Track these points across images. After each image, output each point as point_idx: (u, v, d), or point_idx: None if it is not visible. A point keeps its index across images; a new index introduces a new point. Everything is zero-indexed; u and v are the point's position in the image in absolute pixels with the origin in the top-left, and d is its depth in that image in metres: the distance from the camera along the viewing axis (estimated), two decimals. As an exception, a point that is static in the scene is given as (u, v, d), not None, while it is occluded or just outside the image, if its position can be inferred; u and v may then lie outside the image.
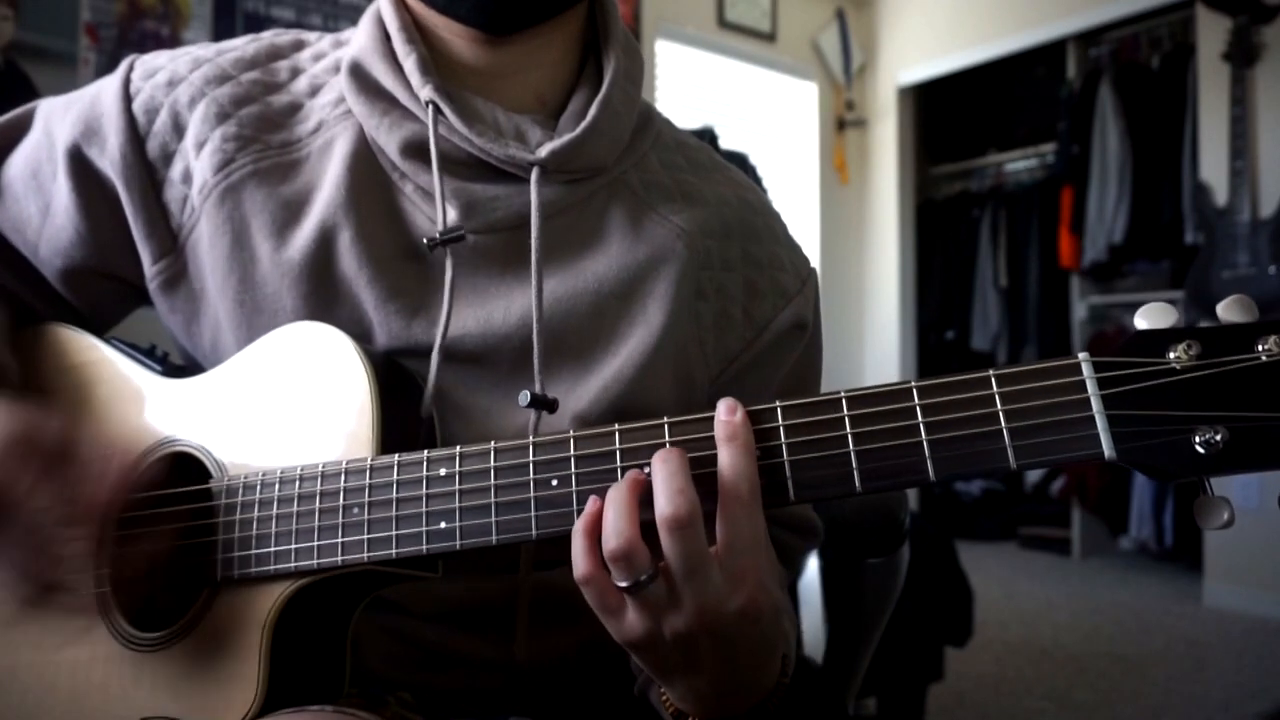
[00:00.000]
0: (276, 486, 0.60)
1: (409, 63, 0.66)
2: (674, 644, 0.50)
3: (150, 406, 0.68)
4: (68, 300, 0.73)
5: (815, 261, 0.78)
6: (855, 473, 0.49)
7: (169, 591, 0.63)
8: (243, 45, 0.72)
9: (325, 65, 0.72)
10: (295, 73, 0.72)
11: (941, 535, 2.28)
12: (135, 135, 0.67)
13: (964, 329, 4.71)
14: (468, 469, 0.55)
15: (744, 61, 4.37)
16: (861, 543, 1.05)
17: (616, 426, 0.53)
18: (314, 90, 0.71)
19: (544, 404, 0.61)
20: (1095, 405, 0.45)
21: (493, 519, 0.54)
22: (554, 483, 0.54)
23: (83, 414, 0.70)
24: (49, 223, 0.70)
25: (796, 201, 4.56)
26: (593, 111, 0.67)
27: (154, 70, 0.69)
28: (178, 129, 0.67)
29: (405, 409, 0.61)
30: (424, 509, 0.56)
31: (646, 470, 0.51)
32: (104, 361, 0.70)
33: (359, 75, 0.68)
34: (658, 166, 0.73)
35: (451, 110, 0.64)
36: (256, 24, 2.91)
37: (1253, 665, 2.81)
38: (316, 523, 0.58)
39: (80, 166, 0.68)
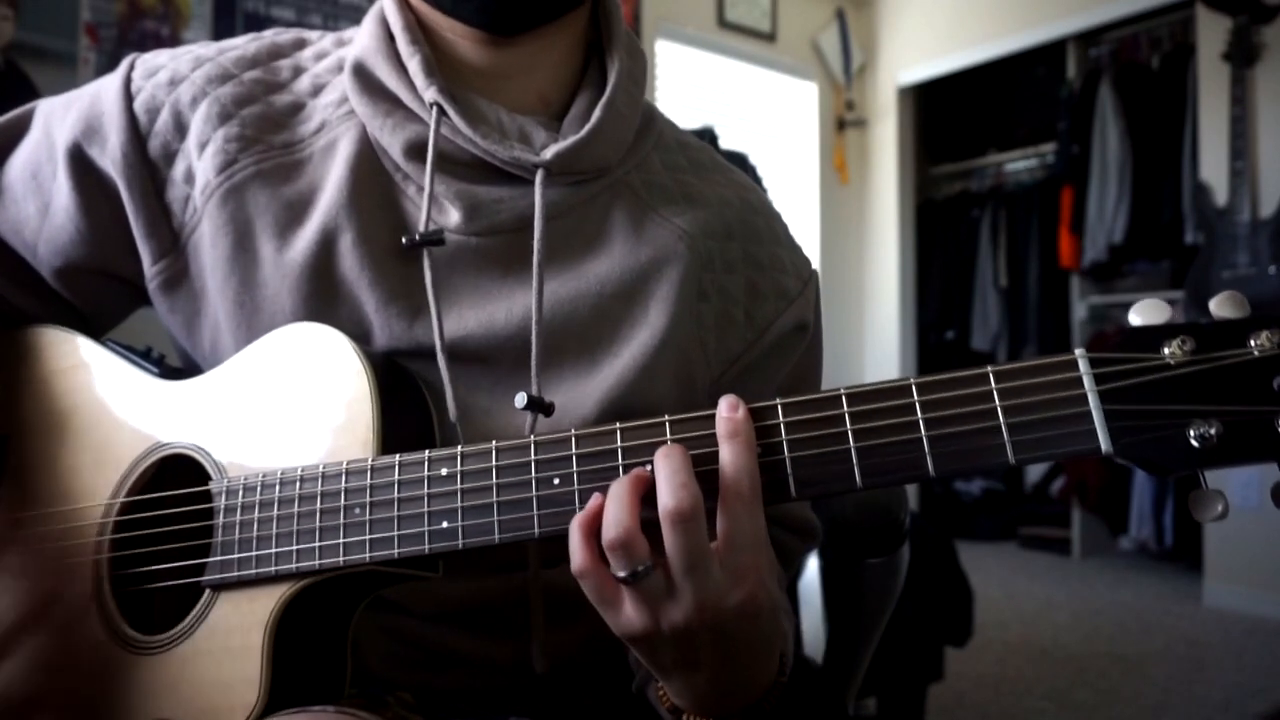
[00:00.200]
0: (277, 488, 0.60)
1: (413, 63, 0.66)
2: (672, 638, 0.50)
3: (147, 409, 0.67)
4: (68, 301, 0.73)
5: (815, 261, 0.78)
6: (856, 469, 0.49)
7: (169, 594, 0.63)
8: (244, 44, 0.72)
9: (327, 64, 0.72)
10: (297, 72, 0.71)
11: (941, 535, 2.28)
12: (136, 134, 0.67)
13: (964, 329, 4.71)
14: (469, 468, 0.55)
15: (744, 61, 4.37)
16: (861, 543, 1.05)
17: (618, 425, 0.53)
18: (316, 90, 0.71)
19: (540, 406, 0.61)
20: (1092, 401, 0.46)
21: (495, 518, 0.54)
22: (556, 481, 0.54)
23: (79, 418, 0.70)
24: (48, 222, 0.70)
25: (796, 201, 4.56)
26: (597, 113, 0.67)
27: (155, 69, 0.69)
28: (179, 128, 0.67)
29: (406, 410, 0.61)
30: (426, 509, 0.56)
31: (649, 468, 0.51)
32: (100, 364, 0.70)
33: (362, 75, 0.67)
34: (660, 167, 0.73)
35: (456, 112, 0.64)
36: (256, 24, 2.91)
37: (1253, 665, 2.81)
38: (318, 523, 0.58)
39: (81, 165, 0.68)
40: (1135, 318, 0.47)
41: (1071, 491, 4.19)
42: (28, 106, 0.74)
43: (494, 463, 0.55)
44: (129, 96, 0.68)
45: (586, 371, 0.66)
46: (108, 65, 2.59)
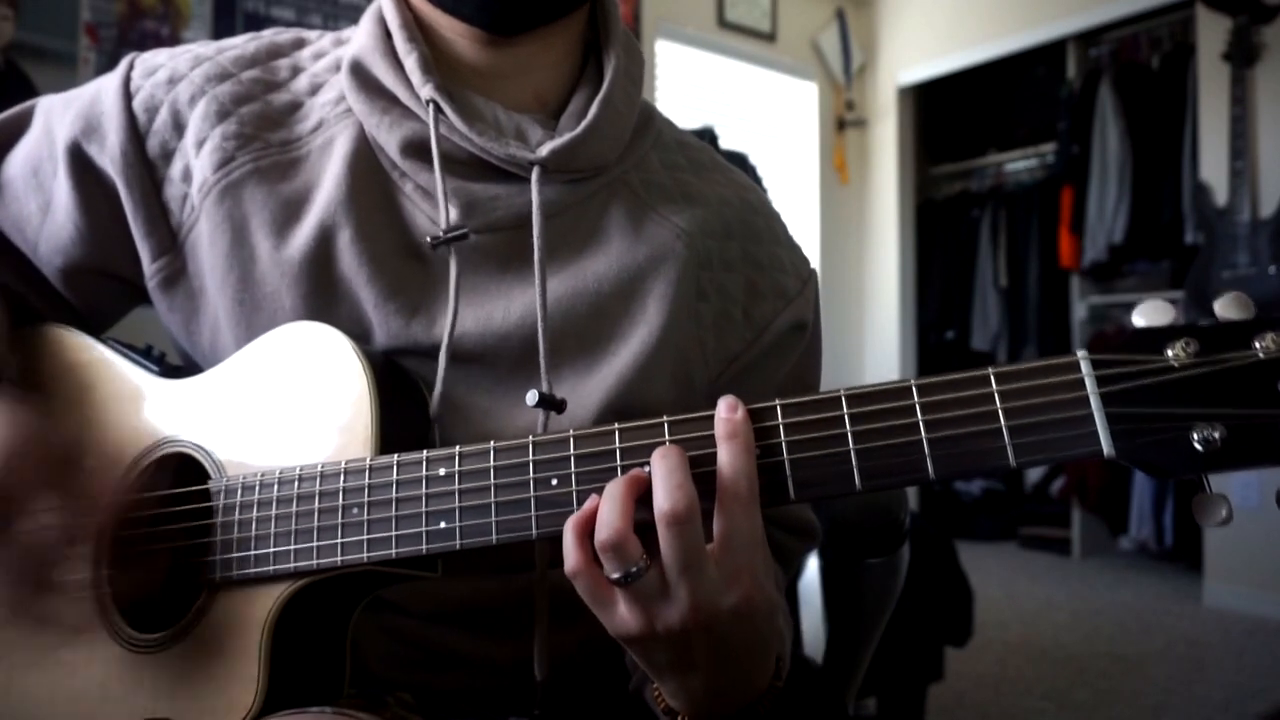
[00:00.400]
0: (275, 487, 0.60)
1: (410, 61, 0.66)
2: (667, 639, 0.50)
3: (147, 407, 0.67)
4: (67, 299, 0.73)
5: (815, 261, 0.78)
6: (855, 471, 0.49)
7: (168, 592, 0.63)
8: (243, 43, 0.72)
9: (326, 64, 0.72)
10: (296, 71, 0.71)
11: (941, 535, 2.28)
12: (135, 133, 0.67)
13: (964, 329, 4.71)
14: (467, 469, 0.55)
15: (744, 61, 4.37)
16: (861, 543, 1.04)
17: (616, 426, 0.53)
18: (314, 89, 0.71)
19: (552, 404, 0.61)
20: (1094, 403, 0.46)
21: (492, 519, 0.54)
22: (554, 482, 0.54)
23: (80, 415, 0.70)
24: (49, 220, 0.70)
25: (796, 201, 4.56)
26: (594, 110, 0.67)
27: (154, 68, 0.69)
28: (178, 127, 0.67)
29: (404, 409, 0.61)
30: (424, 509, 0.56)
31: (646, 469, 0.51)
32: (101, 362, 0.70)
33: (359, 74, 0.67)
34: (658, 166, 0.73)
35: (452, 109, 0.64)
36: (256, 24, 2.91)
37: (1253, 665, 2.81)
38: (316, 523, 0.58)
39: (80, 164, 0.68)
40: (1138, 319, 0.47)
41: (1071, 491, 4.19)
42: (28, 104, 0.74)
43: (492, 463, 0.55)
44: (128, 95, 0.68)
45: (584, 370, 0.65)
46: (108, 65, 2.59)
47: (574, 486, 0.53)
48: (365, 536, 0.57)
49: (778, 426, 0.51)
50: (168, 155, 0.67)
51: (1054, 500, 4.39)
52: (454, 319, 0.63)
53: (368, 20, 0.70)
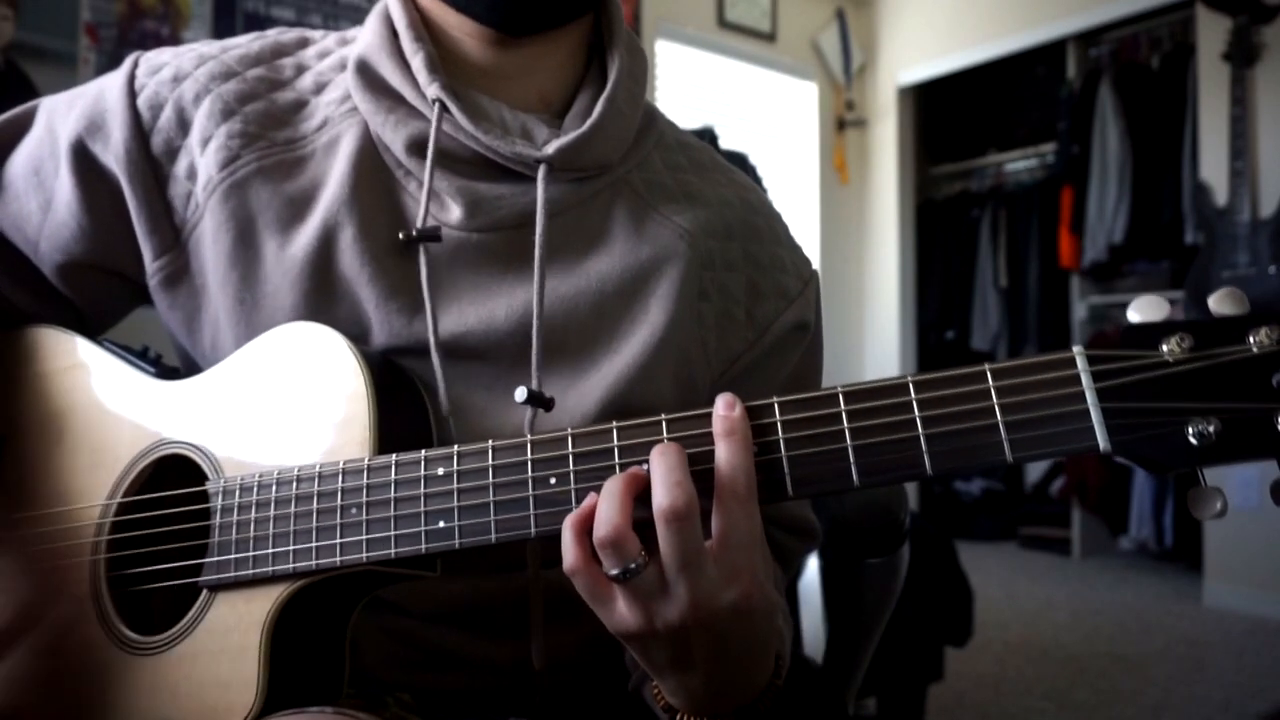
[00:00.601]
0: (274, 488, 0.60)
1: (416, 60, 0.66)
2: (666, 637, 0.50)
3: (144, 409, 0.67)
4: (67, 298, 0.73)
5: (815, 261, 0.78)
6: (853, 468, 0.49)
7: (167, 595, 0.63)
8: (248, 42, 0.72)
9: (330, 63, 0.72)
10: (300, 70, 0.72)
11: (941, 535, 2.28)
12: (139, 130, 0.67)
13: (964, 329, 4.71)
14: (465, 468, 0.55)
15: (744, 61, 4.37)
16: (861, 543, 1.04)
17: (614, 424, 0.53)
18: (319, 87, 0.71)
19: (540, 401, 0.61)
20: (1090, 398, 0.46)
21: (491, 518, 0.54)
22: (552, 481, 0.54)
23: (76, 418, 0.69)
24: (50, 218, 0.70)
25: (796, 201, 4.56)
26: (598, 109, 0.67)
27: (159, 67, 0.69)
28: (182, 125, 0.67)
29: (402, 408, 0.61)
30: (422, 508, 0.56)
31: (645, 467, 0.51)
32: (95, 364, 0.70)
33: (365, 72, 0.68)
34: (660, 167, 0.73)
35: (458, 108, 0.64)
36: (257, 24, 2.91)
37: (1253, 665, 2.81)
38: (314, 524, 0.58)
39: (83, 161, 0.68)
40: (1134, 315, 0.47)
41: (1071, 491, 4.19)
42: (30, 104, 0.74)
43: (490, 462, 0.55)
44: (132, 93, 0.68)
45: (586, 369, 0.66)
46: (108, 65, 2.59)
47: (572, 485, 0.53)
48: (364, 537, 0.57)
49: (775, 424, 0.51)
50: (172, 153, 0.67)
51: (1054, 500, 4.39)
52: (434, 318, 0.63)
53: (374, 20, 0.70)
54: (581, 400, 0.64)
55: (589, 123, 0.67)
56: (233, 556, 0.60)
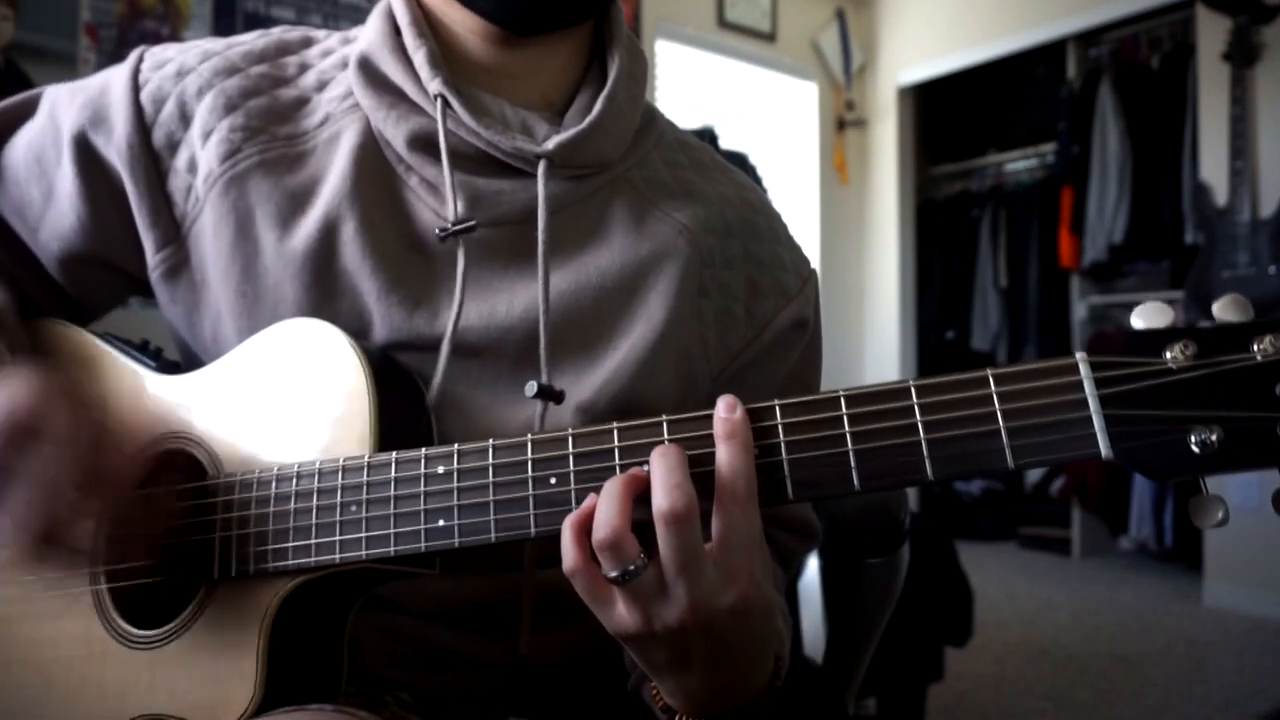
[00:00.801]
0: (274, 484, 0.60)
1: (419, 56, 0.66)
2: (665, 638, 0.50)
3: (145, 403, 0.67)
4: (61, 288, 0.74)
5: (815, 261, 0.78)
6: (854, 471, 0.49)
7: (166, 589, 0.63)
8: (252, 40, 0.72)
9: (333, 61, 0.72)
10: (303, 68, 0.72)
11: (941, 535, 2.28)
12: (142, 124, 0.68)
13: (964, 329, 4.71)
14: (465, 466, 0.55)
15: (744, 61, 4.37)
16: (861, 543, 1.04)
17: (615, 425, 0.53)
18: (321, 85, 0.71)
19: (550, 395, 0.61)
20: (1092, 405, 0.46)
21: (491, 517, 0.54)
22: (552, 481, 0.54)
23: None
24: (51, 208, 0.70)
25: (796, 201, 4.56)
26: (598, 106, 0.68)
27: (163, 62, 0.70)
28: (184, 118, 0.68)
29: (402, 405, 0.61)
30: (422, 507, 0.56)
31: (645, 468, 0.51)
32: (98, 357, 0.70)
33: (367, 68, 0.68)
34: (660, 164, 0.74)
35: (460, 104, 0.64)
36: (257, 24, 2.91)
37: (1253, 665, 2.81)
38: (314, 520, 0.58)
39: (85, 154, 0.69)
40: (1137, 321, 0.47)
41: (1071, 491, 4.19)
42: (34, 91, 0.75)
43: (490, 461, 0.55)
44: (136, 87, 0.69)
45: (586, 364, 0.66)
46: (107, 65, 2.59)
47: (572, 485, 0.53)
48: (364, 534, 0.57)
49: (776, 426, 0.51)
50: (173, 146, 0.68)
51: (1054, 500, 4.39)
52: (459, 311, 0.63)
53: (376, 17, 0.70)
54: (583, 394, 0.65)
55: (589, 120, 0.67)
56: (233, 552, 0.60)
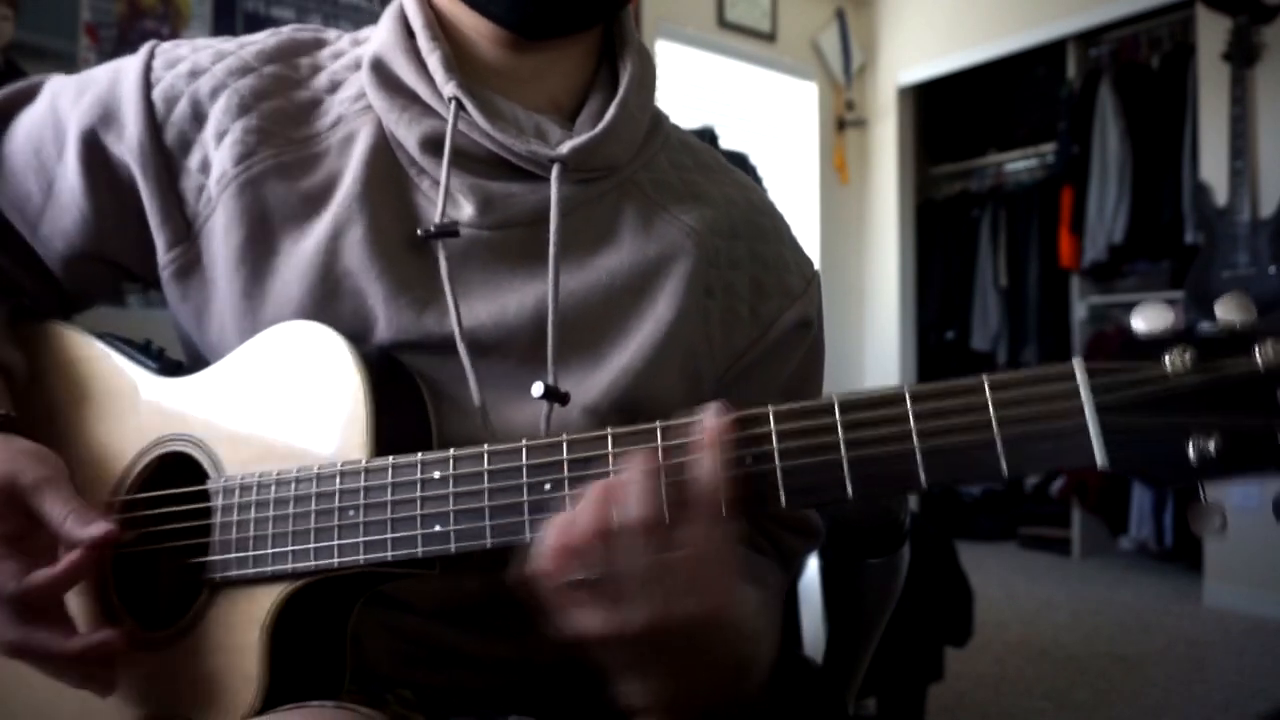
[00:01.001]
0: (273, 488, 0.60)
1: (433, 59, 0.66)
2: (629, 642, 0.51)
3: (146, 404, 0.68)
4: (55, 279, 0.74)
5: (815, 261, 0.79)
6: (847, 479, 0.49)
7: (170, 590, 0.63)
8: (264, 39, 0.73)
9: (345, 63, 0.73)
10: (315, 69, 0.72)
11: (941, 535, 2.28)
12: (153, 123, 0.68)
13: (964, 329, 4.71)
14: (461, 472, 0.55)
15: (744, 61, 4.37)
16: (862, 543, 1.04)
17: (609, 430, 0.53)
18: (334, 86, 0.71)
19: (556, 396, 0.61)
20: (1088, 413, 0.45)
21: (487, 522, 0.54)
22: (547, 486, 0.54)
23: (77, 414, 0.70)
24: (52, 203, 0.70)
25: (796, 201, 4.56)
26: (611, 112, 0.68)
27: (176, 60, 0.70)
28: (197, 118, 0.68)
29: (401, 409, 0.61)
30: (419, 511, 0.56)
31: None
32: (99, 358, 0.71)
33: (380, 70, 0.68)
34: (667, 167, 0.74)
35: (474, 107, 0.65)
36: (257, 24, 2.91)
37: (1253, 665, 2.81)
38: (312, 524, 0.58)
39: (93, 152, 0.69)
40: (1138, 322, 0.46)
41: (1071, 491, 4.19)
42: (36, 79, 0.75)
43: (485, 467, 0.55)
44: (148, 85, 0.68)
45: (594, 364, 0.66)
46: (107, 65, 2.59)
47: (567, 491, 0.53)
48: (361, 539, 0.57)
49: (770, 433, 0.50)
50: (185, 146, 0.68)
51: (1054, 500, 4.39)
52: (457, 313, 0.63)
53: (389, 19, 0.70)
54: (590, 394, 0.65)
55: (602, 125, 0.67)
56: (233, 555, 0.60)
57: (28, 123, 0.72)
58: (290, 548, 0.58)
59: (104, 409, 0.69)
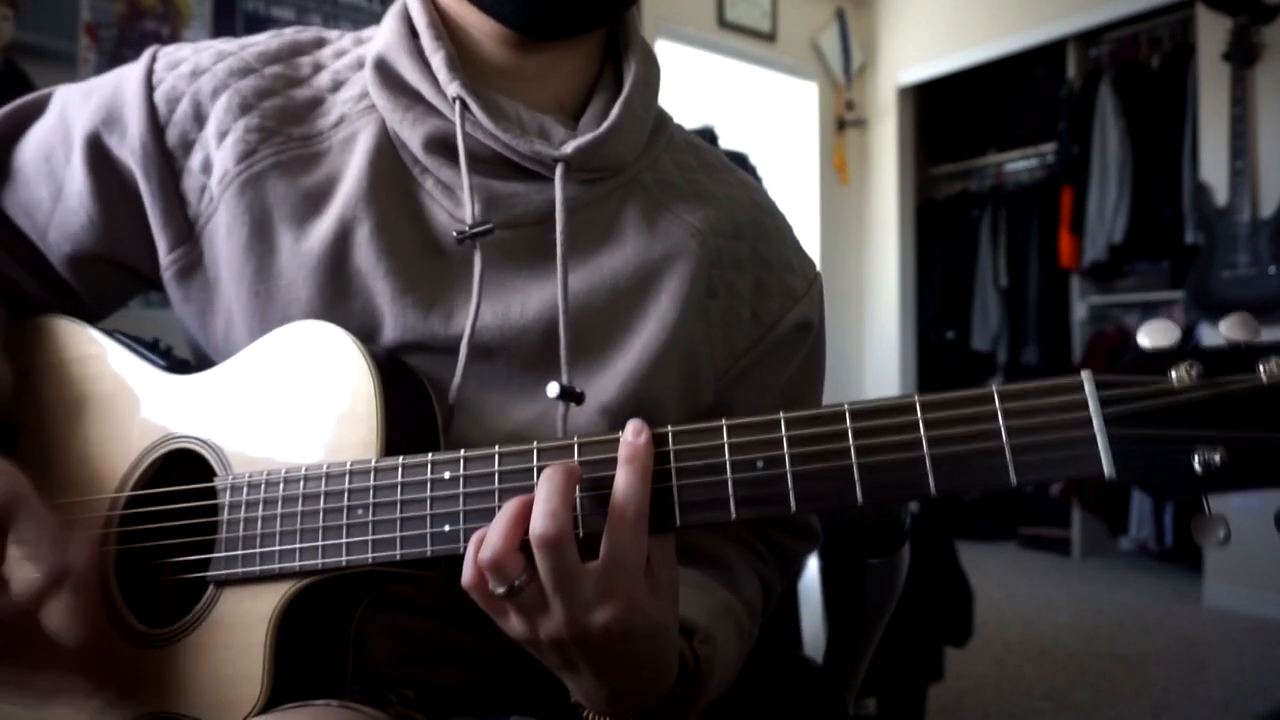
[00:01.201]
0: (281, 486, 0.60)
1: (436, 59, 0.66)
2: (550, 646, 0.52)
3: (154, 402, 0.68)
4: (69, 286, 0.74)
5: (816, 262, 0.79)
6: (858, 485, 0.49)
7: (175, 587, 0.64)
8: (265, 40, 0.73)
9: (347, 62, 0.73)
10: (317, 68, 0.72)
11: (941, 535, 2.28)
12: (155, 124, 0.68)
13: (964, 329, 4.71)
14: (471, 472, 0.56)
15: (744, 61, 4.37)
16: (862, 543, 1.05)
17: (619, 435, 0.53)
18: (336, 85, 0.71)
19: (571, 396, 0.62)
20: (1096, 424, 0.46)
21: (497, 523, 0.54)
22: None
23: (88, 408, 0.70)
24: (60, 207, 0.71)
25: (796, 201, 4.56)
26: (615, 111, 0.68)
27: (177, 61, 0.70)
28: (199, 118, 0.68)
29: (410, 408, 0.62)
30: (428, 511, 0.56)
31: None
32: (107, 355, 0.71)
33: (384, 70, 0.68)
34: (671, 166, 0.74)
35: (478, 107, 0.65)
36: (257, 24, 2.91)
37: (1253, 665, 2.81)
38: (321, 523, 0.58)
39: (98, 154, 0.69)
40: (1144, 339, 0.47)
41: (1071, 492, 4.19)
42: (45, 91, 0.75)
43: (496, 467, 0.55)
44: (150, 87, 0.69)
45: (598, 364, 0.66)
46: (107, 65, 2.59)
47: (577, 491, 0.53)
48: (370, 538, 0.57)
49: (781, 439, 0.51)
50: (187, 146, 0.68)
51: (1054, 500, 4.39)
52: (476, 312, 0.64)
53: (392, 18, 0.71)
54: (593, 394, 0.65)
55: (606, 125, 0.67)
56: (239, 553, 0.60)
57: (39, 132, 0.72)
58: (297, 545, 0.58)
59: (112, 405, 0.69)
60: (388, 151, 0.68)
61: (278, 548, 0.59)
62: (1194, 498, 0.45)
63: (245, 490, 0.61)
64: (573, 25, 0.67)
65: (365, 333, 0.64)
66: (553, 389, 0.60)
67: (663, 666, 0.56)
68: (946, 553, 2.20)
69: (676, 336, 0.67)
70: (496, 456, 0.55)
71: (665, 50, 4.03)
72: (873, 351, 4.88)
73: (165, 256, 0.69)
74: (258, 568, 0.59)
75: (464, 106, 0.65)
